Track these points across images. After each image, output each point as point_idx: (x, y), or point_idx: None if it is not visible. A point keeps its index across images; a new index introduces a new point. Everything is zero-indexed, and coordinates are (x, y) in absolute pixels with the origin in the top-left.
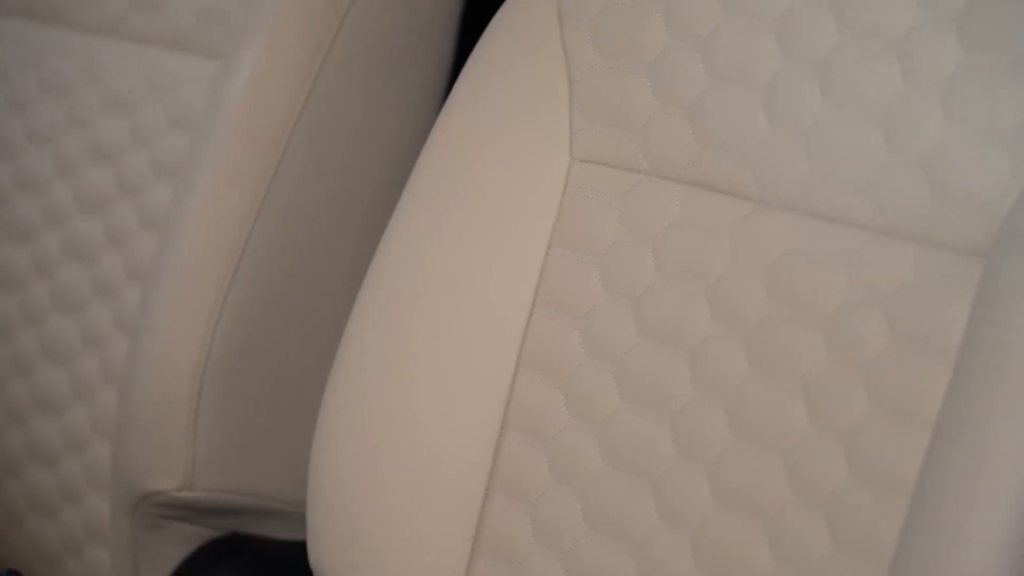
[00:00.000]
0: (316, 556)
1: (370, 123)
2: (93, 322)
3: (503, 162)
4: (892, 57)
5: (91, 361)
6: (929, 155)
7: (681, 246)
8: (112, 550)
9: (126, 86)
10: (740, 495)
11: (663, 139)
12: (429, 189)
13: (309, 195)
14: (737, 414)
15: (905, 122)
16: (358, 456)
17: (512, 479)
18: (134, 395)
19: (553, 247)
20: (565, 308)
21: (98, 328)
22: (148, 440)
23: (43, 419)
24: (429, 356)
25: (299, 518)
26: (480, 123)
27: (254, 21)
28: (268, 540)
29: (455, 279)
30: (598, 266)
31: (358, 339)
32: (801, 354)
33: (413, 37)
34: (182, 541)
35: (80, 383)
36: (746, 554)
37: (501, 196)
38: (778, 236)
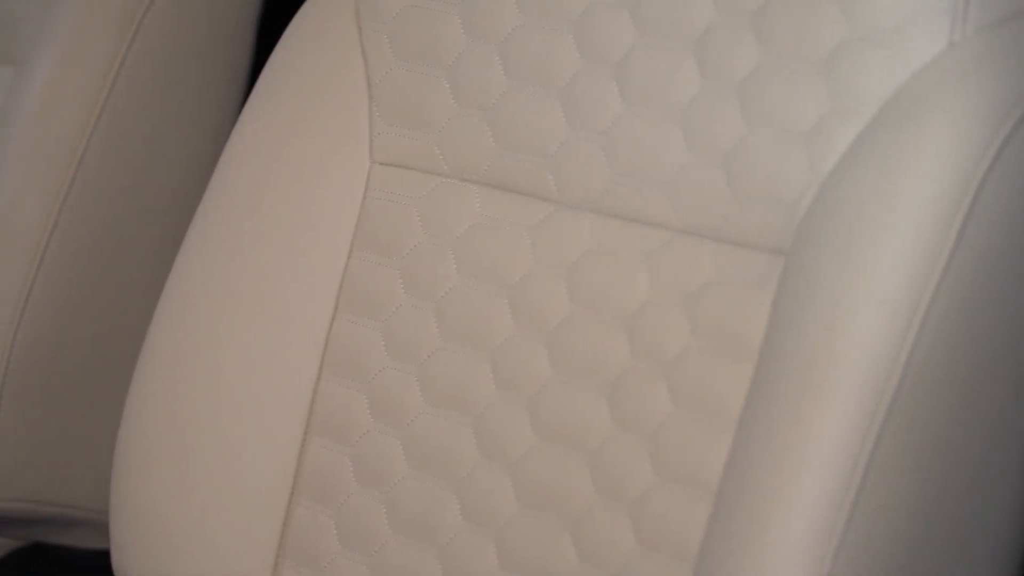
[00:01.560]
0: (119, 565)
1: (170, 128)
2: None
3: (302, 167)
4: (690, 57)
5: None
6: (728, 154)
7: (482, 248)
8: None
9: None
10: (544, 495)
11: (463, 141)
12: (229, 194)
13: (108, 202)
14: (540, 415)
15: (704, 122)
16: (160, 463)
17: (317, 483)
18: None
19: (355, 251)
20: (368, 311)
21: None
22: None
23: None
24: (230, 361)
25: (104, 527)
26: (279, 128)
27: (49, 27)
28: (72, 549)
29: (256, 284)
30: (400, 269)
31: (159, 345)
32: (603, 354)
33: (211, 42)
34: None
35: None
36: (551, 554)
37: (301, 201)
38: (578, 237)
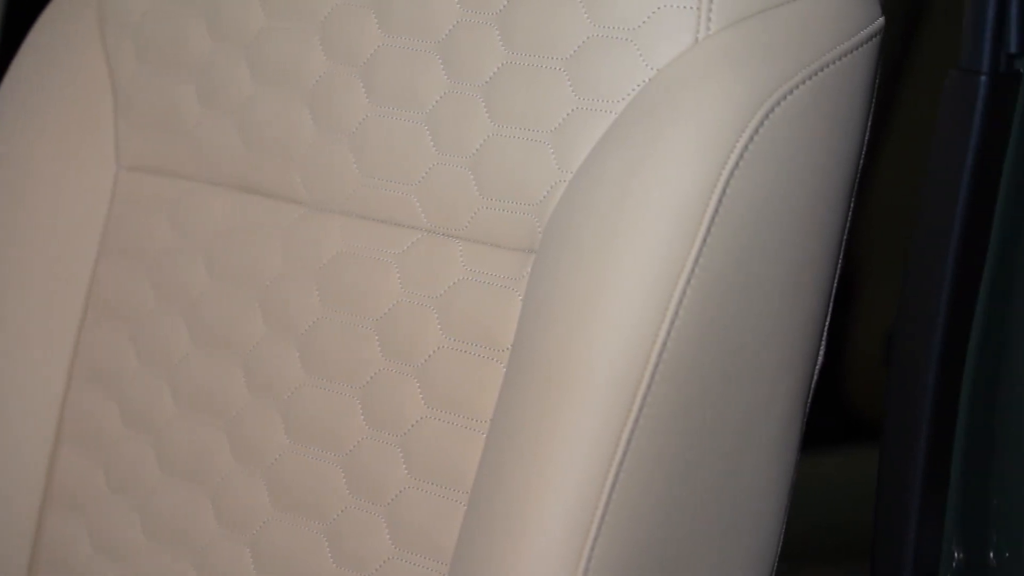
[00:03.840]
0: None
1: None
2: None
3: (45, 174)
4: (436, 57)
5: None
6: (475, 154)
7: (233, 251)
8: None
9: None
10: (299, 498)
11: (211, 145)
12: None
13: None
14: (293, 418)
15: (450, 122)
16: None
17: (68, 491)
18: None
19: (103, 256)
20: (117, 317)
21: None
22: None
23: None
24: None
25: None
26: (21, 134)
27: None
28: None
29: (1, 291)
30: (149, 274)
31: None
32: (356, 356)
33: None
34: None
35: None
36: (307, 558)
37: (44, 209)
38: (329, 239)
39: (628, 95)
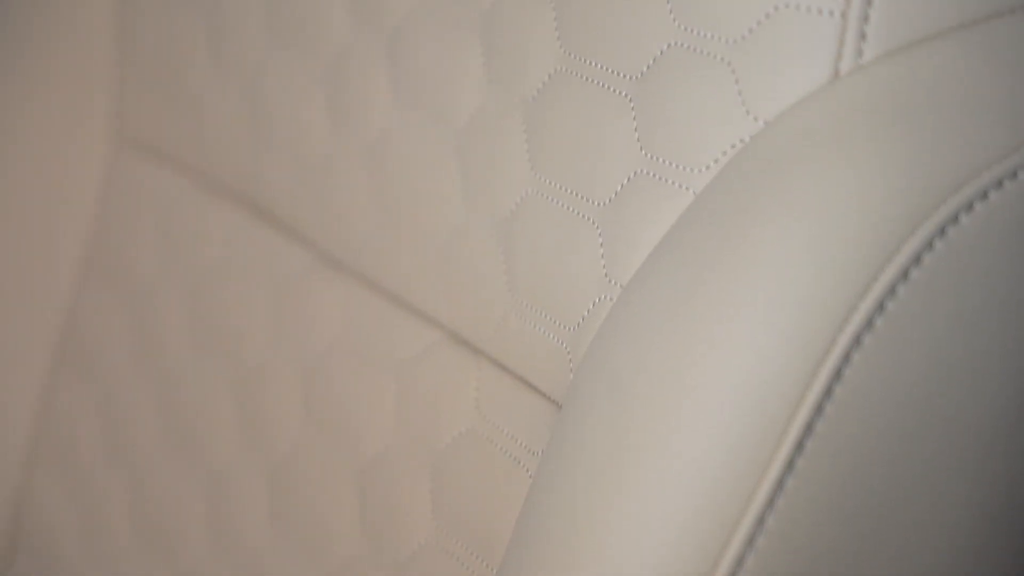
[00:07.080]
0: None
1: None
2: None
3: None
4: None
5: None
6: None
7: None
8: None
9: None
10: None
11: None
12: None
13: None
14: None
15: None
16: None
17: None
18: None
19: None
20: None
21: None
22: None
23: None
24: None
25: None
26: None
27: None
28: None
29: None
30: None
31: None
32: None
33: None
34: None
35: None
36: None
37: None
38: (326, 314)
39: (716, 160)
